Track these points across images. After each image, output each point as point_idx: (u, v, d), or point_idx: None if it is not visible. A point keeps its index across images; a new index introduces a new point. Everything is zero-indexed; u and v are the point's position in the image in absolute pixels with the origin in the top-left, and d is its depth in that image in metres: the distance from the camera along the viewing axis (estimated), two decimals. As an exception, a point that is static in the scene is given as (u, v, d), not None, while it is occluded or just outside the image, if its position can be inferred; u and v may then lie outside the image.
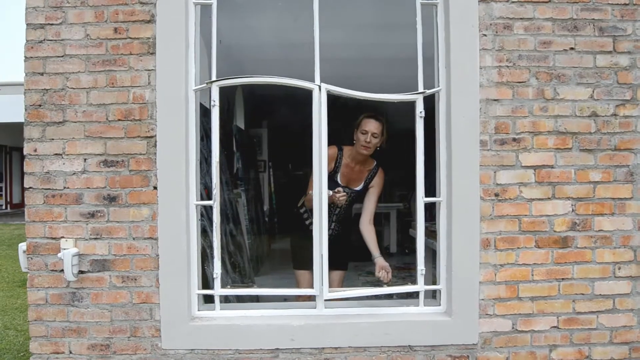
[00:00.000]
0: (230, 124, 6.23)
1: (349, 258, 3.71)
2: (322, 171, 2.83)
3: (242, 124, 6.96)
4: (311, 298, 2.93)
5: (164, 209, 2.73)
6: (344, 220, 3.57)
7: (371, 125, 3.27)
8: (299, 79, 2.81)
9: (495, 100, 2.78)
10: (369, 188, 3.50)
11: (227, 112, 6.00)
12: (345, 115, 3.51)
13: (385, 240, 7.89)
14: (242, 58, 4.91)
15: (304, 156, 3.54)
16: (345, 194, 3.27)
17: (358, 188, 3.48)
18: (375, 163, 3.50)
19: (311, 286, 2.90)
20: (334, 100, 2.91)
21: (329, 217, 3.49)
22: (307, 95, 2.83)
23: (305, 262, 3.56)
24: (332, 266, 3.47)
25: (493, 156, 2.78)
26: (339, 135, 3.45)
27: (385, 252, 7.60)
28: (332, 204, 3.41)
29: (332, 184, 3.30)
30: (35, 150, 2.74)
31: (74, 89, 2.73)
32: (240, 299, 3.37)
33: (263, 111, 8.23)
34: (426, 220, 2.91)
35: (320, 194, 2.84)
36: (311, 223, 3.48)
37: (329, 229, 3.49)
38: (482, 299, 2.78)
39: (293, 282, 3.70)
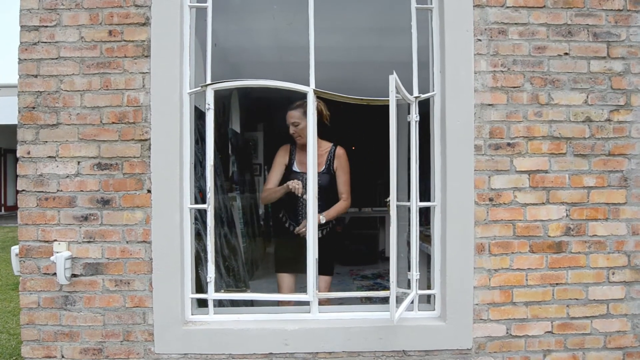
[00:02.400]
0: (226, 127, 6.20)
1: (333, 264, 3.63)
2: (314, 173, 2.85)
3: (238, 127, 6.93)
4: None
5: (157, 213, 2.72)
6: (325, 223, 3.48)
7: (288, 117, 3.47)
8: (295, 81, 2.81)
9: (489, 105, 2.78)
10: (335, 172, 3.54)
11: (223, 115, 5.98)
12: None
13: (381, 245, 7.90)
14: (238, 61, 4.92)
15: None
16: (300, 182, 3.36)
17: (320, 170, 3.47)
18: (331, 144, 3.55)
19: (291, 289, 2.89)
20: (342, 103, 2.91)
21: (297, 211, 3.49)
22: (302, 98, 2.83)
23: (283, 264, 3.57)
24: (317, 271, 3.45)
25: (487, 161, 2.78)
26: (348, 137, 3.47)
27: (380, 256, 7.62)
28: (294, 197, 3.44)
29: (293, 174, 3.51)
30: (28, 153, 2.72)
31: (68, 91, 2.72)
32: (234, 303, 3.34)
33: (259, 114, 8.21)
34: (421, 224, 2.91)
35: (313, 197, 2.84)
36: (290, 225, 3.50)
37: (305, 227, 3.44)
38: (477, 304, 2.78)
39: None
